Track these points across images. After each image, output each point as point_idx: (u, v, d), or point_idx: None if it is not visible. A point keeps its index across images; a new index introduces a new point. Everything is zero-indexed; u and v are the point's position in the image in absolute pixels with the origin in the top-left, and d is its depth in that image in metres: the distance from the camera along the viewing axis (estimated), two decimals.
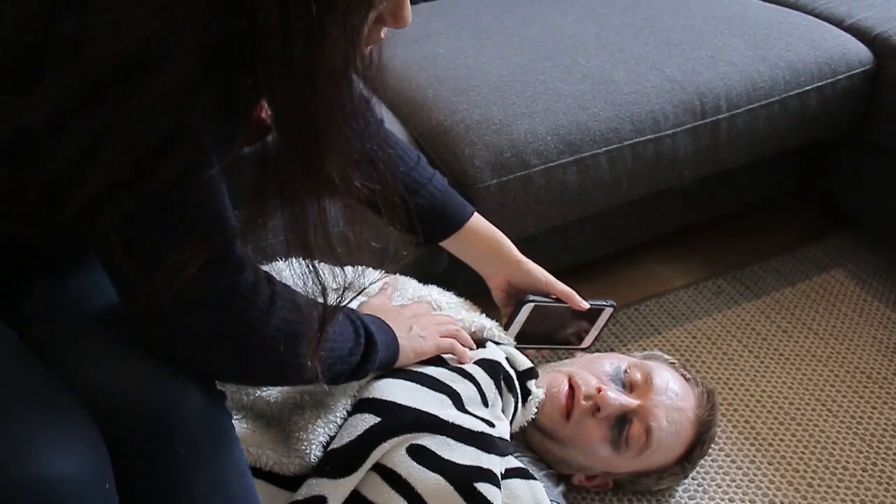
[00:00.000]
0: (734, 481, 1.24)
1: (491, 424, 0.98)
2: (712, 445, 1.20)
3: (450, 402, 0.96)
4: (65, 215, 0.61)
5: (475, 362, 1.03)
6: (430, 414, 0.94)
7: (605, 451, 1.10)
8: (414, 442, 0.92)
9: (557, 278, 1.14)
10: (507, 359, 1.07)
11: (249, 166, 0.66)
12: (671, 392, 1.12)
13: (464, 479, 0.91)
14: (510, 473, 0.97)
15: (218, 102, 0.61)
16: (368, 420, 0.92)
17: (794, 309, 1.57)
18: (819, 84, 1.46)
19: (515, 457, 1.01)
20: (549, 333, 1.17)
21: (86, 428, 0.66)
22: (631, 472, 1.15)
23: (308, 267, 0.68)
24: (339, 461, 0.90)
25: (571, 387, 1.10)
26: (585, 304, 1.13)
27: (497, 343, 1.10)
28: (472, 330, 1.08)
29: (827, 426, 1.33)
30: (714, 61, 1.42)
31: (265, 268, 1.00)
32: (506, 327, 1.12)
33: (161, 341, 0.72)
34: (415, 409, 0.93)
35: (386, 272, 1.10)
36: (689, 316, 1.55)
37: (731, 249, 1.72)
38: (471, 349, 1.05)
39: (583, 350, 1.22)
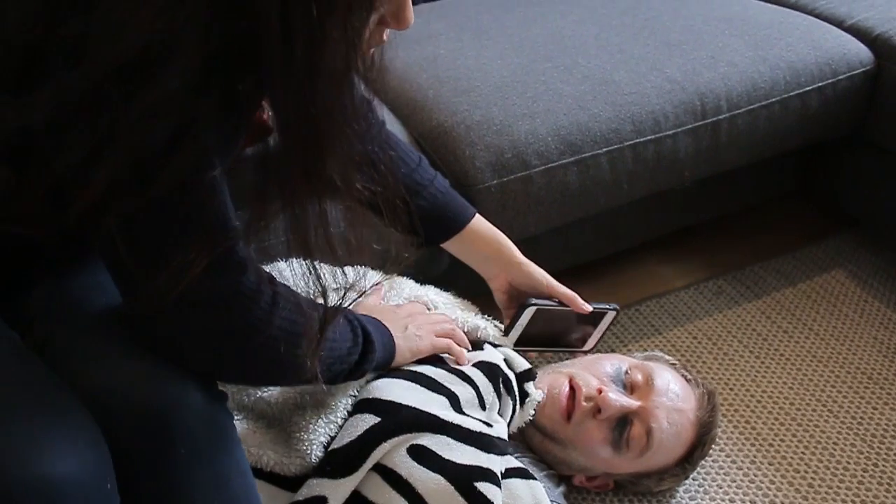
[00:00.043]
0: (735, 482, 1.24)
1: (489, 425, 0.98)
2: (713, 446, 1.20)
3: (448, 403, 0.97)
4: (69, 216, 0.62)
5: (474, 364, 1.03)
6: (430, 414, 0.94)
7: (606, 453, 1.10)
8: (414, 442, 0.92)
9: (558, 279, 1.14)
10: (504, 360, 1.07)
11: (251, 167, 0.66)
12: (672, 393, 1.12)
13: (464, 478, 0.91)
14: (510, 473, 0.97)
15: (220, 103, 0.61)
16: (369, 420, 0.92)
17: (794, 309, 1.57)
18: (820, 84, 1.46)
19: (516, 457, 1.01)
20: (551, 336, 1.17)
21: (87, 428, 0.66)
22: (631, 473, 1.15)
23: (309, 268, 0.68)
24: (339, 461, 0.90)
25: (572, 388, 1.10)
26: (588, 308, 1.13)
27: (493, 344, 1.10)
28: (466, 329, 1.08)
29: (827, 427, 1.33)
30: (714, 62, 1.42)
31: (266, 268, 1.00)
32: (507, 330, 1.12)
33: (164, 341, 0.72)
34: (415, 408, 0.94)
35: (387, 274, 1.10)
36: (690, 316, 1.55)
37: (731, 250, 1.72)
38: (467, 349, 1.05)
39: (584, 353, 1.22)
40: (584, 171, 1.31)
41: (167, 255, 0.65)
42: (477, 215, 1.12)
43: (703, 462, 1.21)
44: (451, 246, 1.12)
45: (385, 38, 0.67)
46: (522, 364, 1.09)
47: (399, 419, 0.92)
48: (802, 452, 1.28)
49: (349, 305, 0.82)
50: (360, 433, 0.91)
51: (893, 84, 1.49)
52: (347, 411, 0.96)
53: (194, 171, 0.64)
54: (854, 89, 1.50)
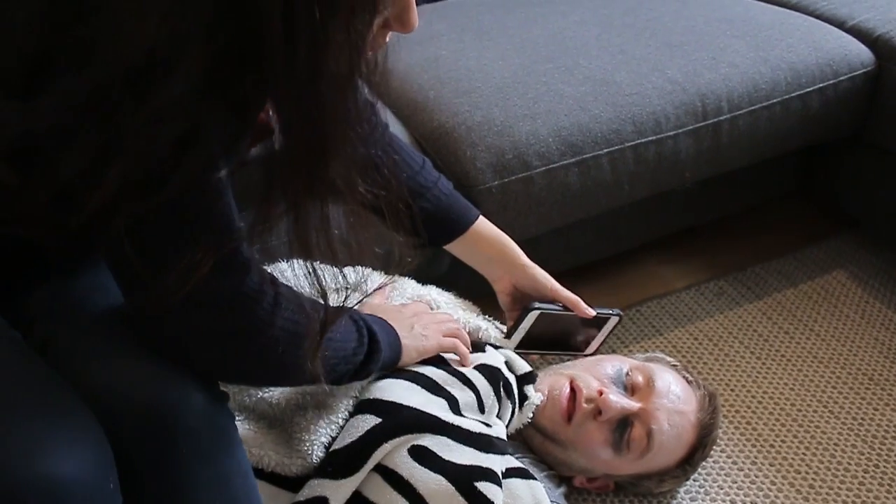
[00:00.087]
0: (735, 482, 1.24)
1: (487, 426, 0.98)
2: (713, 447, 1.20)
3: (447, 406, 0.97)
4: (73, 219, 0.62)
5: (475, 367, 1.03)
6: (430, 415, 0.94)
7: (607, 454, 1.10)
8: (415, 443, 0.92)
9: (558, 280, 1.14)
10: (505, 362, 1.07)
11: (256, 169, 0.66)
12: (673, 395, 1.12)
13: (464, 479, 0.91)
14: (510, 473, 0.97)
15: (225, 107, 0.61)
16: (370, 421, 0.92)
17: (795, 310, 1.57)
18: (820, 85, 1.47)
19: (517, 458, 1.01)
20: (554, 340, 1.17)
21: (90, 428, 0.67)
22: (632, 474, 1.15)
23: (309, 269, 0.68)
24: (340, 462, 0.90)
25: (573, 389, 1.10)
26: (591, 312, 1.13)
27: (494, 346, 1.10)
28: (468, 330, 1.09)
29: (828, 427, 1.33)
30: (716, 63, 1.42)
31: (268, 268, 1.00)
32: (510, 333, 1.12)
33: (167, 341, 0.72)
34: (416, 409, 0.94)
35: (390, 275, 1.10)
36: (691, 317, 1.55)
37: (732, 251, 1.72)
38: (470, 350, 1.05)
39: (586, 356, 1.22)
40: (585, 172, 1.31)
41: (174, 256, 0.65)
42: (481, 217, 1.12)
43: (703, 463, 1.21)
44: (455, 248, 1.12)
45: (387, 40, 0.67)
46: (523, 367, 1.09)
47: (400, 420, 0.92)
48: (803, 453, 1.28)
49: (352, 307, 0.82)
50: (361, 434, 0.91)
51: (894, 85, 1.49)
52: (349, 412, 0.96)
53: (201, 174, 0.64)
54: (855, 90, 1.50)
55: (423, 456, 0.91)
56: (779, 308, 1.57)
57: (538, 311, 1.10)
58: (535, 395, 1.08)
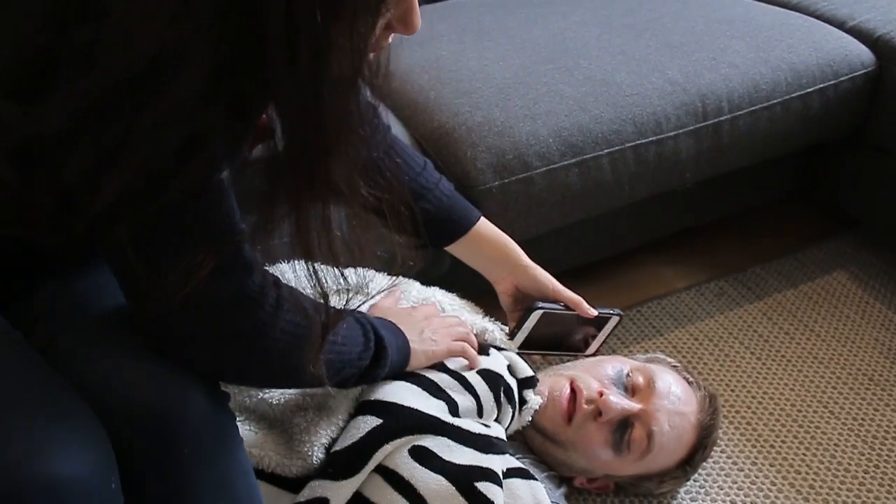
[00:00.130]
0: (735, 483, 1.24)
1: (486, 426, 0.98)
2: (714, 447, 1.20)
3: (446, 408, 0.97)
4: (77, 222, 0.62)
5: (477, 371, 1.03)
6: (431, 416, 0.94)
7: (607, 455, 1.10)
8: (416, 443, 0.92)
9: (559, 280, 1.14)
10: (508, 366, 1.07)
11: (258, 171, 0.66)
12: (673, 396, 1.12)
13: (464, 479, 0.91)
14: (511, 473, 0.97)
15: (228, 110, 0.61)
16: (371, 422, 0.92)
17: (795, 311, 1.57)
18: (821, 86, 1.47)
19: (517, 458, 1.01)
20: (556, 340, 1.17)
21: (92, 428, 0.67)
22: (632, 475, 1.15)
23: (311, 270, 0.68)
24: (341, 463, 0.90)
25: (573, 390, 1.10)
26: (593, 312, 1.13)
27: (498, 348, 1.10)
28: (475, 332, 1.08)
29: (829, 428, 1.33)
30: (716, 63, 1.42)
31: (269, 269, 1.00)
32: (513, 333, 1.12)
33: (169, 342, 0.72)
34: (416, 410, 0.94)
35: (394, 276, 1.10)
36: (691, 317, 1.55)
37: (732, 251, 1.72)
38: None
39: (587, 357, 1.22)
40: (586, 173, 1.31)
41: (175, 257, 0.65)
42: (482, 219, 1.12)
43: (703, 463, 1.21)
44: (457, 249, 1.12)
45: (389, 41, 0.67)
46: (525, 371, 1.09)
47: (401, 421, 0.92)
48: (803, 454, 1.28)
49: (355, 308, 0.82)
50: (362, 435, 0.91)
51: (894, 85, 1.49)
52: (349, 413, 0.96)
53: (203, 176, 0.64)
54: (855, 91, 1.50)
55: (423, 456, 0.92)
56: (779, 308, 1.57)
57: (541, 311, 1.10)
58: (533, 399, 1.08)
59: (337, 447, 0.91)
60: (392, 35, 0.67)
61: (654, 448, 1.10)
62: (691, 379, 1.18)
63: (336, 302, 0.72)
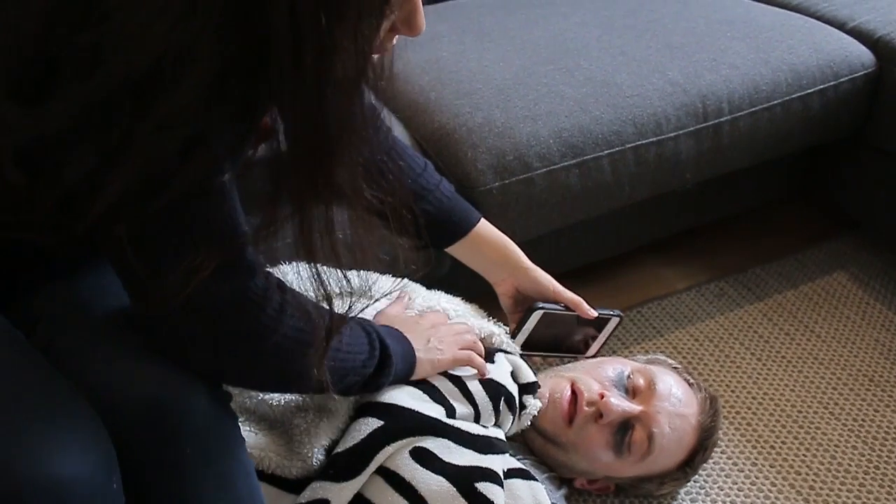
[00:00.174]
0: (736, 484, 1.24)
1: (485, 427, 0.98)
2: (714, 448, 1.20)
3: (444, 413, 0.97)
4: (79, 223, 0.62)
5: (479, 380, 1.02)
6: (431, 417, 0.94)
7: (608, 457, 1.10)
8: (416, 444, 0.92)
9: (559, 281, 1.14)
10: (511, 372, 1.07)
11: (261, 173, 0.66)
12: (674, 398, 1.12)
13: (465, 480, 0.91)
14: (511, 473, 0.97)
15: (231, 113, 0.61)
16: (372, 423, 0.92)
17: (796, 311, 1.57)
18: (821, 87, 1.47)
19: (518, 459, 1.01)
20: (556, 341, 1.17)
21: (93, 428, 0.67)
22: (633, 476, 1.15)
23: (313, 273, 0.68)
24: (342, 464, 0.90)
25: (574, 392, 1.10)
26: (594, 313, 1.14)
27: (505, 352, 1.10)
28: (482, 336, 1.08)
29: (829, 429, 1.33)
30: (716, 64, 1.42)
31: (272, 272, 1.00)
32: (514, 334, 1.12)
33: (172, 343, 0.72)
34: (417, 412, 0.94)
35: (397, 280, 1.10)
36: (691, 318, 1.55)
37: (732, 252, 1.72)
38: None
39: (587, 358, 1.22)
40: (586, 174, 1.31)
41: (175, 257, 0.65)
42: (482, 220, 1.12)
43: (704, 465, 1.22)
44: (458, 250, 1.12)
45: (394, 43, 0.67)
46: (528, 376, 1.09)
47: (402, 422, 0.92)
48: (804, 455, 1.28)
49: (358, 313, 0.82)
50: (363, 437, 0.91)
51: (895, 87, 1.49)
52: (350, 415, 0.96)
53: (205, 178, 0.64)
54: (855, 91, 1.50)
55: (424, 458, 0.92)
56: (779, 309, 1.57)
57: (541, 311, 1.10)
58: (532, 403, 1.08)
59: (338, 449, 0.91)
60: (396, 37, 0.67)
61: (654, 450, 1.10)
62: (692, 380, 1.18)
63: (339, 306, 0.72)
